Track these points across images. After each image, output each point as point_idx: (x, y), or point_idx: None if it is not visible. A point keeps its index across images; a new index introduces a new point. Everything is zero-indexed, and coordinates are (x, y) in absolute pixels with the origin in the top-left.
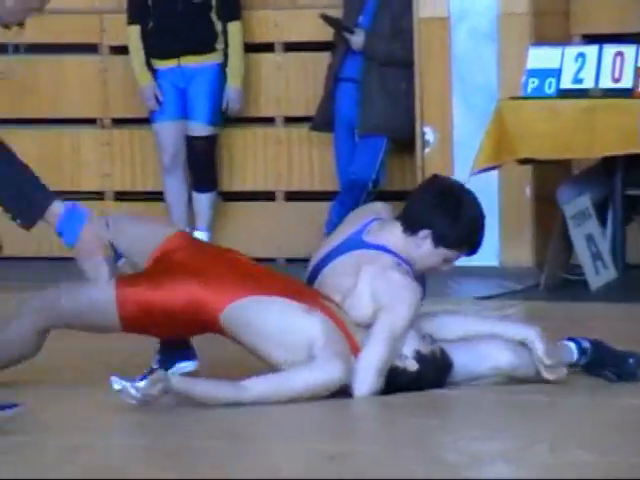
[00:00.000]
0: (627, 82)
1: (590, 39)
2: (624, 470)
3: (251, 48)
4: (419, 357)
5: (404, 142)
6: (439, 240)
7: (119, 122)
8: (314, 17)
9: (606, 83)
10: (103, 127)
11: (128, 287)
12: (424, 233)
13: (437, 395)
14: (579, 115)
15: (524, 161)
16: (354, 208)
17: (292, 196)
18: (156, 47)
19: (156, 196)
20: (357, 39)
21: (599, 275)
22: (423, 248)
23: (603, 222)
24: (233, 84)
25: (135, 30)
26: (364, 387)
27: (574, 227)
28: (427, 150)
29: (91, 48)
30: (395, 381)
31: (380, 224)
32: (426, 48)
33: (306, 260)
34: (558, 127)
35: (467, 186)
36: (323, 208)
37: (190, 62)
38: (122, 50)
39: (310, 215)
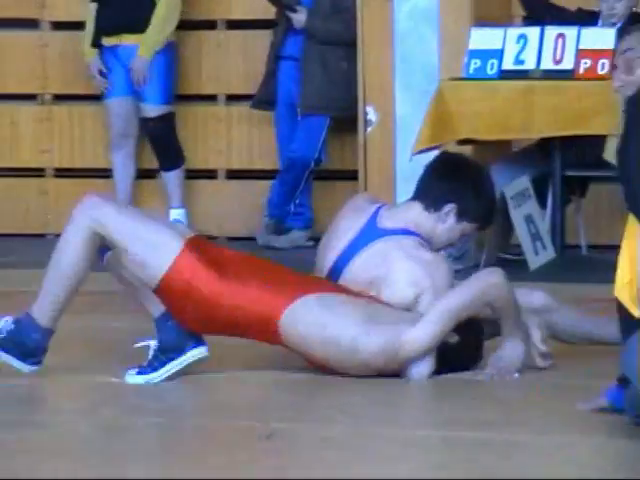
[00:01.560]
0: (568, 64)
1: (531, 20)
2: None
3: (193, 25)
4: (456, 328)
5: (345, 121)
6: (463, 214)
7: (59, 98)
8: None
9: (547, 64)
10: (43, 103)
11: (195, 253)
12: (449, 207)
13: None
14: (518, 96)
15: (464, 141)
16: (295, 187)
17: (233, 174)
18: (101, 24)
19: (95, 173)
20: (299, 17)
21: (538, 255)
22: (447, 223)
23: (540, 203)
24: (140, 54)
25: (92, 7)
26: (421, 368)
27: (514, 208)
28: (369, 129)
29: (31, 23)
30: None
31: (390, 209)
32: (368, 27)
33: (246, 239)
34: (497, 107)
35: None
36: (264, 187)
37: (130, 41)
38: (62, 26)
39: (251, 194)
